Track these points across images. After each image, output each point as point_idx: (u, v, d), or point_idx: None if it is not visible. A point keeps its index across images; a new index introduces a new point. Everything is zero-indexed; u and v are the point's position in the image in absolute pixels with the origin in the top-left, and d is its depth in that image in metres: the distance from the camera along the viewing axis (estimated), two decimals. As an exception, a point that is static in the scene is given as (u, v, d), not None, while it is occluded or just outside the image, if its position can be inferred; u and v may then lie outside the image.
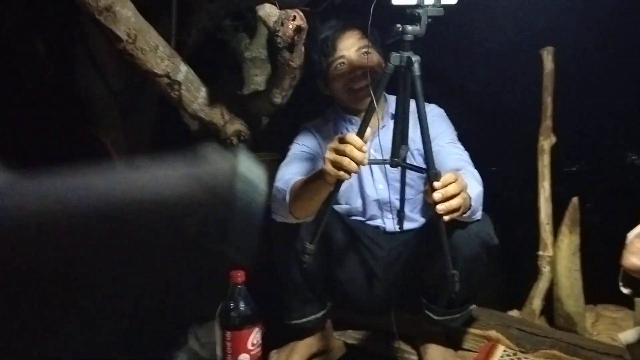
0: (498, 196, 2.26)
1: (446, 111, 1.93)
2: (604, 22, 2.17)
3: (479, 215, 1.62)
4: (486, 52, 2.23)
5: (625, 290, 1.30)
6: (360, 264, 1.88)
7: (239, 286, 1.55)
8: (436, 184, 1.35)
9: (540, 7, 2.20)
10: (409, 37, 1.37)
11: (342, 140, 1.37)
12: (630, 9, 2.10)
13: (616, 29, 2.17)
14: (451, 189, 1.36)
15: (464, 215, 1.52)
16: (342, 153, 1.36)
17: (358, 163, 1.37)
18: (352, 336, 1.99)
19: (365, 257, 1.88)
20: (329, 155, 1.39)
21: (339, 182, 1.43)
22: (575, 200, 1.94)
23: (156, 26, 1.79)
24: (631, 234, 1.27)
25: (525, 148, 2.16)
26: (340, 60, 1.76)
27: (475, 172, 1.67)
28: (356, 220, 1.88)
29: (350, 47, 1.75)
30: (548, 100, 2.13)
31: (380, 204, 1.84)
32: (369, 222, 1.88)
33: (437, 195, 1.34)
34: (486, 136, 2.22)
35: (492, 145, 2.23)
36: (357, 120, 1.75)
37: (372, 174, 1.84)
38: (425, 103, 1.81)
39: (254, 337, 1.57)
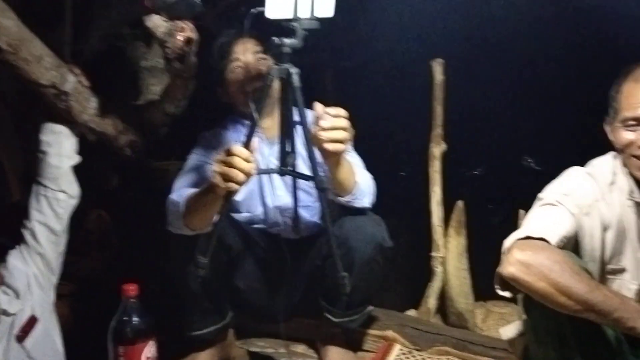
0: (395, 201, 2.36)
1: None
2: (491, 35, 2.31)
3: (367, 202, 1.68)
4: (381, 64, 2.33)
5: (502, 293, 1.40)
6: (262, 272, 1.90)
7: (132, 300, 1.53)
8: (329, 110, 1.41)
9: (430, 22, 2.32)
10: (287, 50, 1.41)
11: (229, 152, 1.40)
12: (513, 21, 2.26)
13: (502, 41, 2.31)
14: (338, 122, 1.42)
15: (352, 198, 1.61)
16: (229, 165, 1.39)
17: (246, 174, 1.39)
18: (255, 344, 2.01)
19: (266, 265, 1.90)
20: (217, 167, 1.41)
21: (230, 193, 1.44)
22: (460, 203, 2.05)
23: (51, 34, 1.74)
24: (507, 242, 1.37)
25: (418, 155, 2.26)
26: (236, 63, 1.78)
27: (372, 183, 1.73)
28: (257, 228, 1.90)
29: (246, 51, 1.78)
30: (438, 109, 2.24)
31: (281, 211, 1.86)
32: (270, 230, 1.90)
33: (324, 123, 1.40)
34: (381, 144, 2.31)
35: (386, 153, 2.32)
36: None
37: (271, 182, 1.86)
38: (321, 112, 1.89)
39: (148, 350, 1.54)
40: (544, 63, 2.32)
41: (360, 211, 1.75)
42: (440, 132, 2.24)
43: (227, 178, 1.39)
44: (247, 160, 1.39)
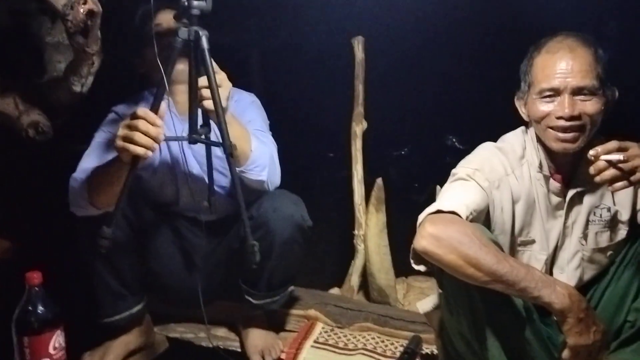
0: (317, 180, 2.36)
1: (262, 100, 1.94)
2: (412, 13, 2.32)
3: (264, 175, 1.64)
4: (299, 42, 2.30)
5: (417, 267, 1.41)
6: (179, 255, 1.85)
7: (36, 288, 1.45)
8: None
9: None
10: (195, 12, 1.38)
11: (134, 116, 1.35)
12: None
13: (423, 18, 2.33)
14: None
15: (246, 163, 1.58)
16: (135, 128, 1.34)
17: (152, 138, 1.35)
18: (174, 329, 1.96)
19: (183, 248, 1.85)
20: (121, 131, 1.36)
21: (136, 160, 1.39)
22: (379, 180, 2.06)
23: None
24: (421, 217, 1.38)
25: (340, 134, 2.26)
26: (157, 29, 1.67)
27: (276, 161, 1.71)
28: (172, 211, 1.84)
29: (170, 19, 1.69)
30: (359, 87, 2.24)
31: (196, 192, 1.80)
32: (185, 212, 1.85)
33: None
34: (304, 124, 2.29)
35: (309, 132, 2.31)
36: (172, 100, 1.71)
37: (186, 163, 1.79)
38: (240, 90, 1.84)
39: (56, 340, 1.47)
40: (467, 41, 2.36)
41: (278, 192, 1.73)
42: (362, 111, 2.24)
43: (131, 141, 1.34)
44: (153, 124, 1.34)
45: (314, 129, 2.34)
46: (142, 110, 1.36)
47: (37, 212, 2.01)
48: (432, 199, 1.45)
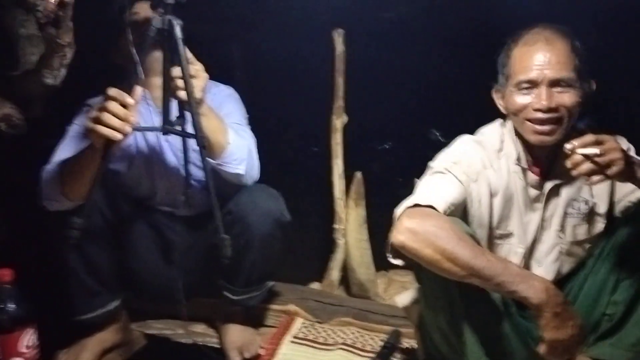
0: (297, 174, 2.33)
1: (240, 93, 1.92)
2: (394, 6, 2.30)
3: (241, 169, 1.63)
4: (280, 34, 2.26)
5: (394, 261, 1.40)
6: (156, 250, 1.83)
7: (7, 285, 1.43)
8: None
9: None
10: (170, 1, 1.37)
11: (106, 96, 1.34)
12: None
13: (405, 11, 2.30)
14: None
15: (223, 156, 1.56)
16: (105, 109, 1.32)
17: (122, 119, 1.33)
18: (152, 326, 1.94)
19: (160, 243, 1.82)
20: (93, 113, 1.35)
21: (108, 146, 1.37)
22: (359, 174, 2.05)
23: None
24: (398, 211, 1.37)
25: (320, 127, 2.24)
26: (134, 17, 1.67)
27: (254, 155, 1.70)
28: (149, 205, 1.82)
29: (147, 9, 1.66)
30: (340, 81, 2.22)
31: (172, 187, 1.78)
32: (162, 207, 1.82)
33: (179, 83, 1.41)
34: (283, 118, 2.26)
35: (288, 126, 2.28)
36: (149, 93, 1.70)
37: (162, 156, 1.77)
38: (217, 83, 1.82)
39: (28, 339, 1.46)
40: (449, 34, 2.34)
41: (256, 186, 1.72)
42: (342, 104, 2.22)
43: (100, 122, 1.32)
44: (124, 105, 1.32)
45: (293, 123, 2.30)
46: (114, 90, 1.34)
47: (8, 207, 1.97)
48: (411, 192, 1.44)
